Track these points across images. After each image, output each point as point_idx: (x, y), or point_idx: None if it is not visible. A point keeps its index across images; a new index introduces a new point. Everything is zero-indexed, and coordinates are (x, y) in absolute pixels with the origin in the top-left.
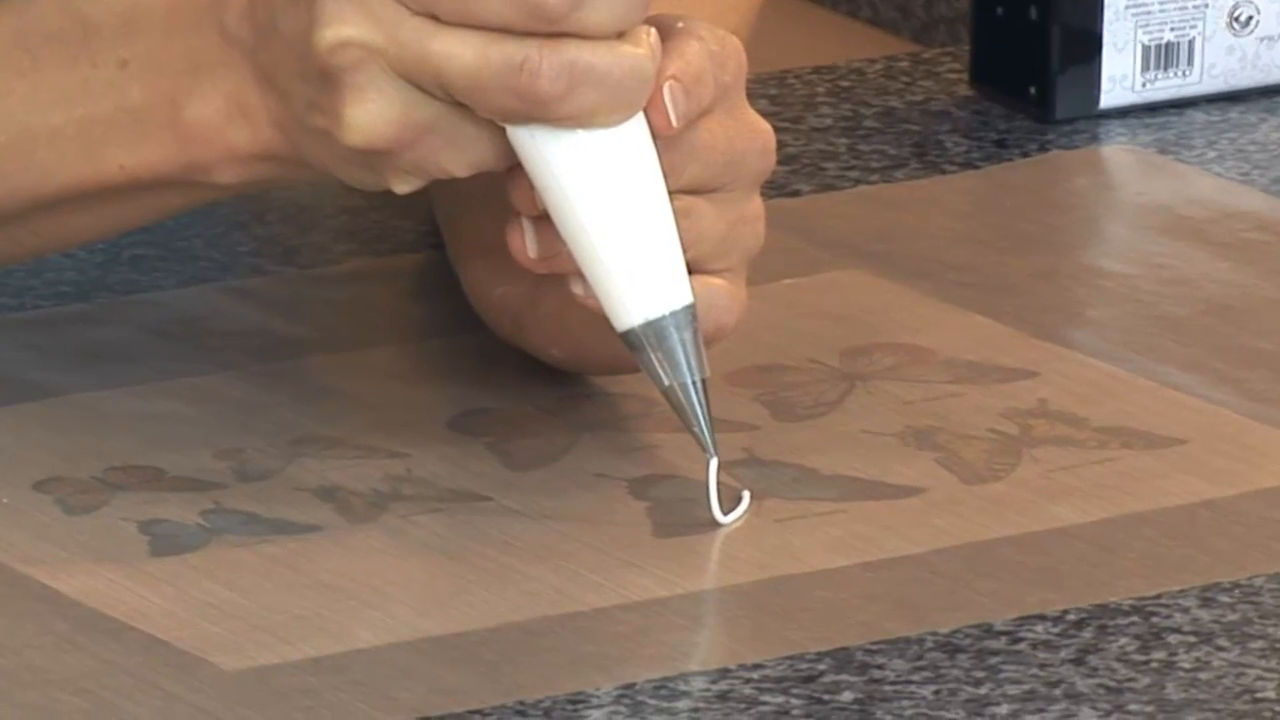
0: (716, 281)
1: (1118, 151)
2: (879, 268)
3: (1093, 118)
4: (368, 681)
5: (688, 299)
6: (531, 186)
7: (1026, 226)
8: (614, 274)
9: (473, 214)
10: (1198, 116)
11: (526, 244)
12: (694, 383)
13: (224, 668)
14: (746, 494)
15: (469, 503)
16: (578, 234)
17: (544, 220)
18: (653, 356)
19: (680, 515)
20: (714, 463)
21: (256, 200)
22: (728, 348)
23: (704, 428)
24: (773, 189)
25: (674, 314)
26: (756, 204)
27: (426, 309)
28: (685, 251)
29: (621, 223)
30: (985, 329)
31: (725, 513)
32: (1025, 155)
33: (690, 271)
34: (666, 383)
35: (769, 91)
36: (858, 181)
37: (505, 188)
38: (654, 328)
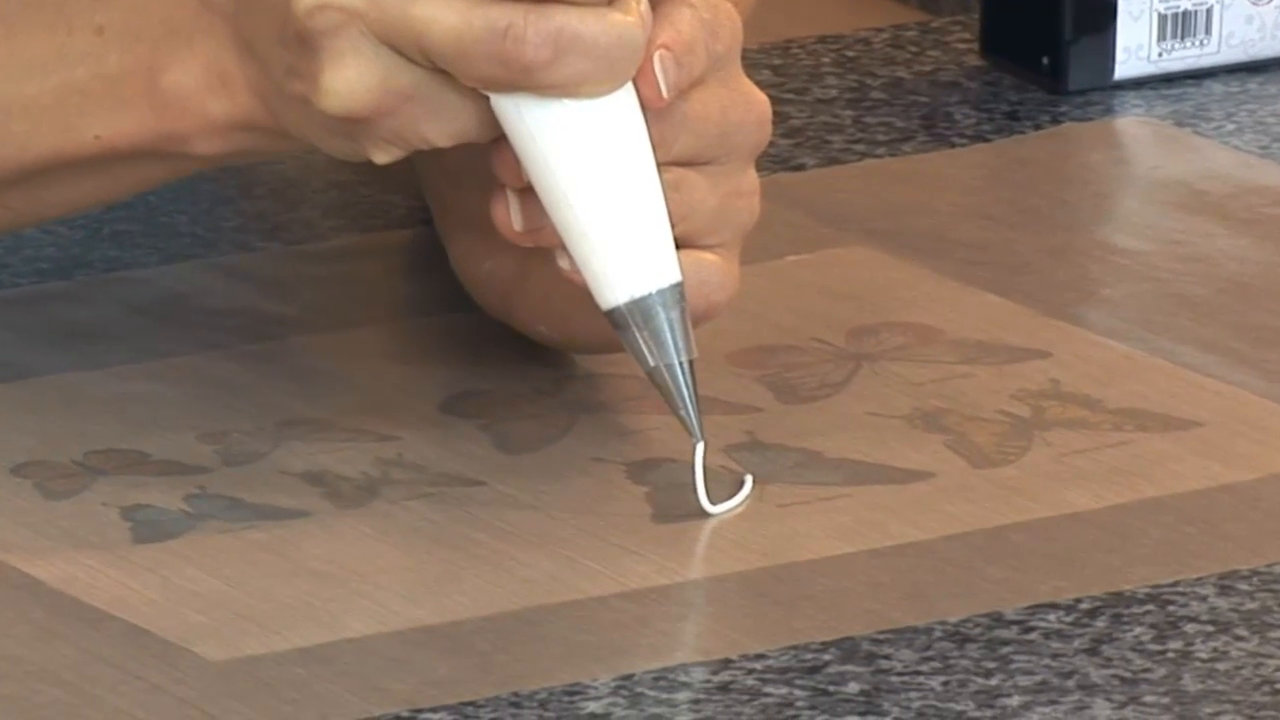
0: (708, 257)
1: (1133, 124)
2: (886, 244)
3: (1107, 89)
4: (357, 672)
5: (675, 277)
6: (515, 158)
7: (1038, 202)
8: (599, 250)
9: (460, 187)
10: (1216, 88)
11: (511, 217)
12: (681, 364)
13: (209, 658)
14: (749, 478)
15: (462, 487)
16: (562, 208)
17: (529, 192)
18: (638, 336)
19: (681, 500)
20: (701, 448)
21: (242, 174)
22: (729, 327)
23: (691, 411)
24: (776, 162)
25: (661, 292)
26: (751, 177)
27: (418, 286)
28: (675, 226)
29: (608, 197)
30: (996, 308)
31: (721, 499)
32: (1037, 128)
33: (680, 247)
34: (652, 364)
35: (772, 61)
36: (864, 155)
37: (488, 159)
38: (640, 306)
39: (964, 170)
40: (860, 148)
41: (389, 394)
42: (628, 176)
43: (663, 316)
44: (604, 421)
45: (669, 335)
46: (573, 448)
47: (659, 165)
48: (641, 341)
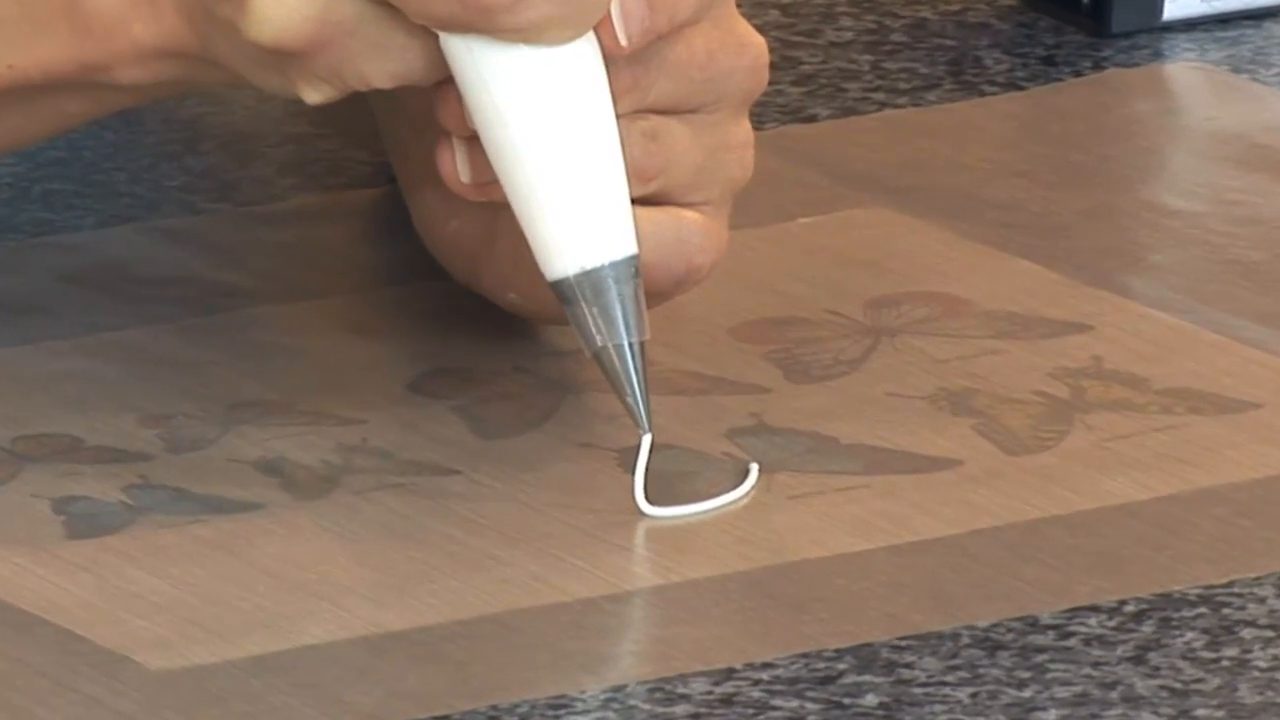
0: (690, 215)
1: (1184, 70)
2: (908, 205)
3: (1155, 31)
4: (317, 683)
5: (631, 248)
6: (463, 104)
7: (1078, 157)
8: (550, 213)
9: (425, 137)
10: (1277, 30)
11: (458, 167)
12: (631, 345)
13: (151, 667)
14: (755, 467)
15: (433, 477)
16: (512, 164)
17: (478, 141)
18: (586, 312)
19: (678, 491)
20: (647, 440)
21: (189, 128)
22: (732, 297)
23: (639, 398)
24: (786, 114)
25: (615, 264)
26: (743, 129)
27: (385, 252)
28: (653, 180)
29: (564, 155)
30: (1031, 276)
31: (722, 490)
32: (1077, 75)
33: (660, 203)
34: (599, 344)
35: (780, 0)
36: (883, 105)
37: (432, 104)
38: (591, 279)
39: (995, 122)
40: (879, 97)
41: (352, 372)
42: (586, 134)
43: (614, 292)
44: (592, 403)
45: (620, 313)
46: (558, 432)
47: (633, 113)
48: (589, 318)
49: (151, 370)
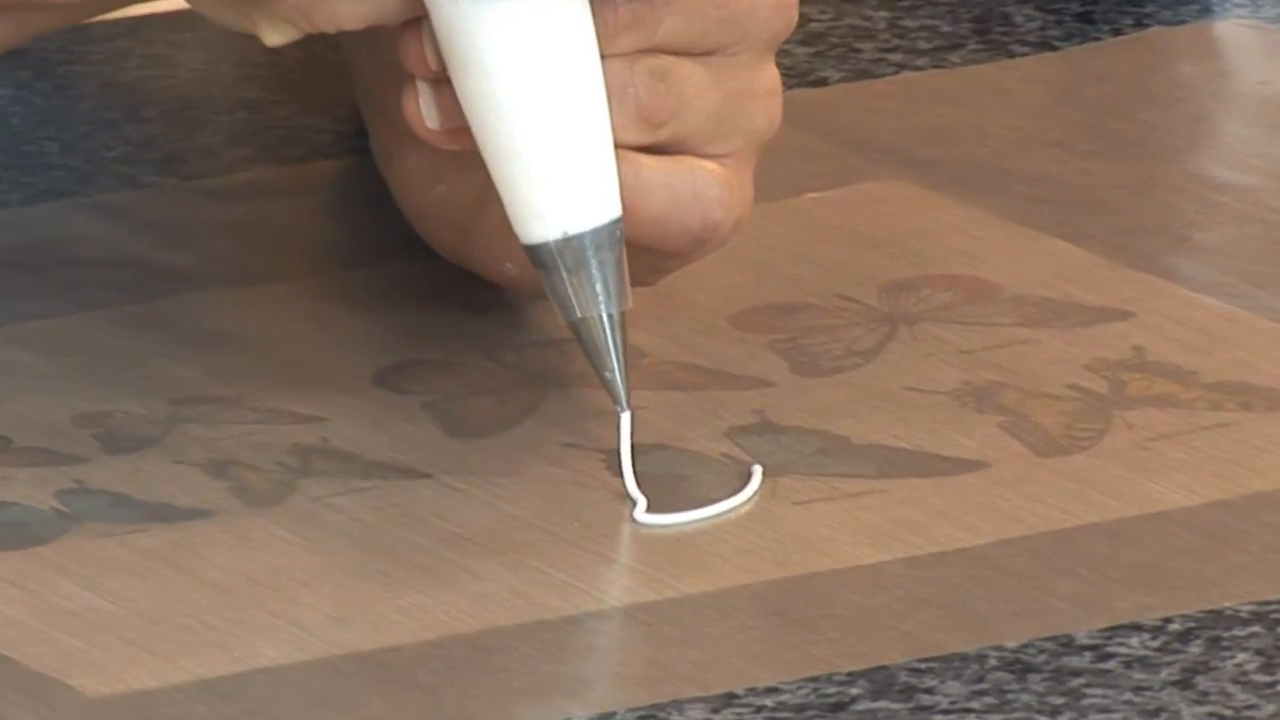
0: (708, 165)
1: (1235, 28)
2: (928, 178)
3: None
4: (271, 710)
5: (615, 212)
6: (425, 42)
7: (1118, 125)
8: (532, 173)
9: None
10: None
11: (423, 111)
12: (611, 315)
13: (87, 693)
14: (758, 469)
15: (401, 480)
16: (491, 119)
17: (445, 83)
18: (565, 280)
19: (672, 496)
20: (626, 419)
21: (128, 93)
22: (733, 281)
23: (618, 373)
24: (793, 76)
25: (596, 230)
26: (769, 74)
27: (347, 231)
28: (663, 126)
29: (550, 110)
30: (1065, 256)
31: (721, 495)
32: (1117, 33)
33: (674, 152)
34: (579, 314)
35: None
36: (901, 67)
37: (394, 44)
38: (572, 245)
39: (1025, 86)
40: (897, 58)
41: (311, 364)
42: (572, 88)
43: (594, 259)
44: (578, 398)
45: (600, 281)
46: (539, 431)
47: (638, 52)
48: (568, 286)
49: (87, 362)
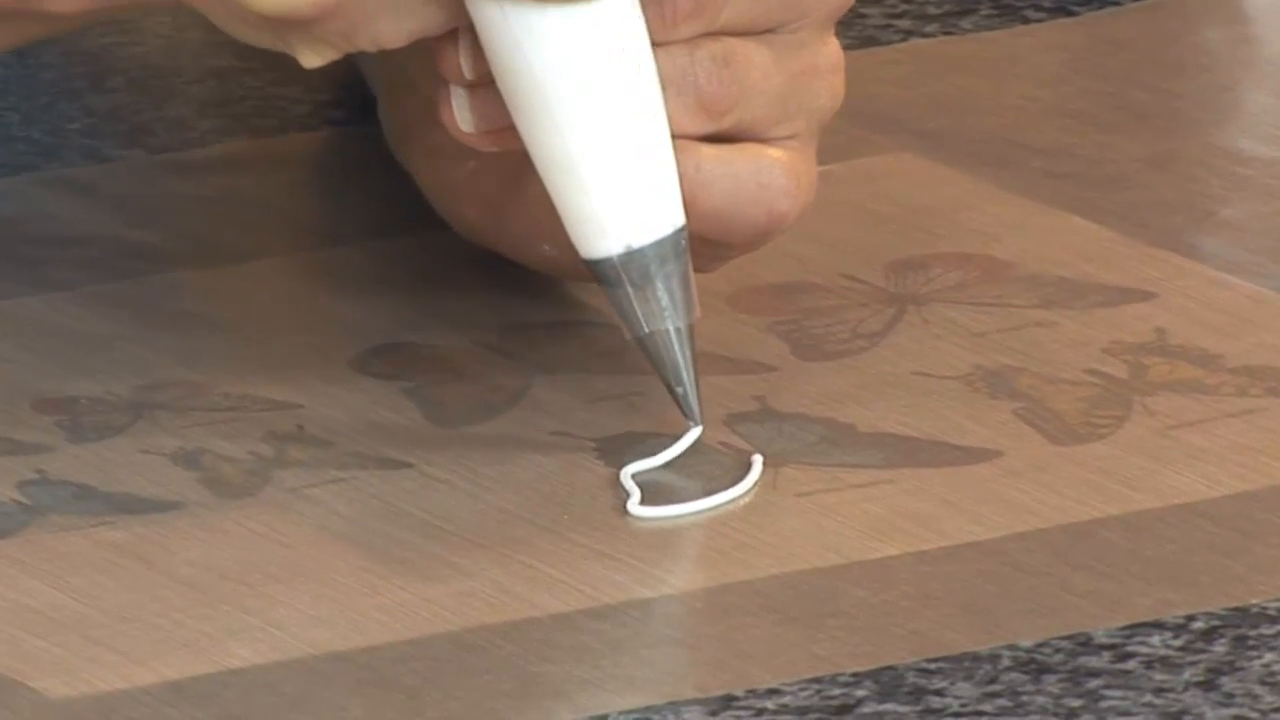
0: (773, 153)
1: None
2: (939, 151)
3: None
4: (243, 714)
5: (678, 221)
6: (463, 52)
7: (1139, 95)
8: (592, 188)
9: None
10: None
11: (457, 116)
12: (679, 329)
13: (50, 695)
14: (758, 459)
15: (381, 470)
16: (548, 134)
17: (481, 87)
18: (630, 294)
19: (668, 488)
20: (696, 434)
21: (93, 61)
22: (731, 261)
23: (690, 388)
24: None
25: (660, 242)
26: (832, 49)
27: (324, 207)
28: (726, 115)
29: (609, 123)
30: (1083, 234)
31: (720, 487)
32: None
33: (737, 139)
34: (646, 329)
35: None
36: (909, 34)
37: (432, 53)
38: (636, 259)
39: (1041, 54)
40: (905, 24)
41: (286, 348)
42: (630, 94)
43: (661, 271)
44: (567, 384)
45: (666, 294)
46: (527, 419)
47: (702, 37)
48: (633, 301)
49: (50, 346)
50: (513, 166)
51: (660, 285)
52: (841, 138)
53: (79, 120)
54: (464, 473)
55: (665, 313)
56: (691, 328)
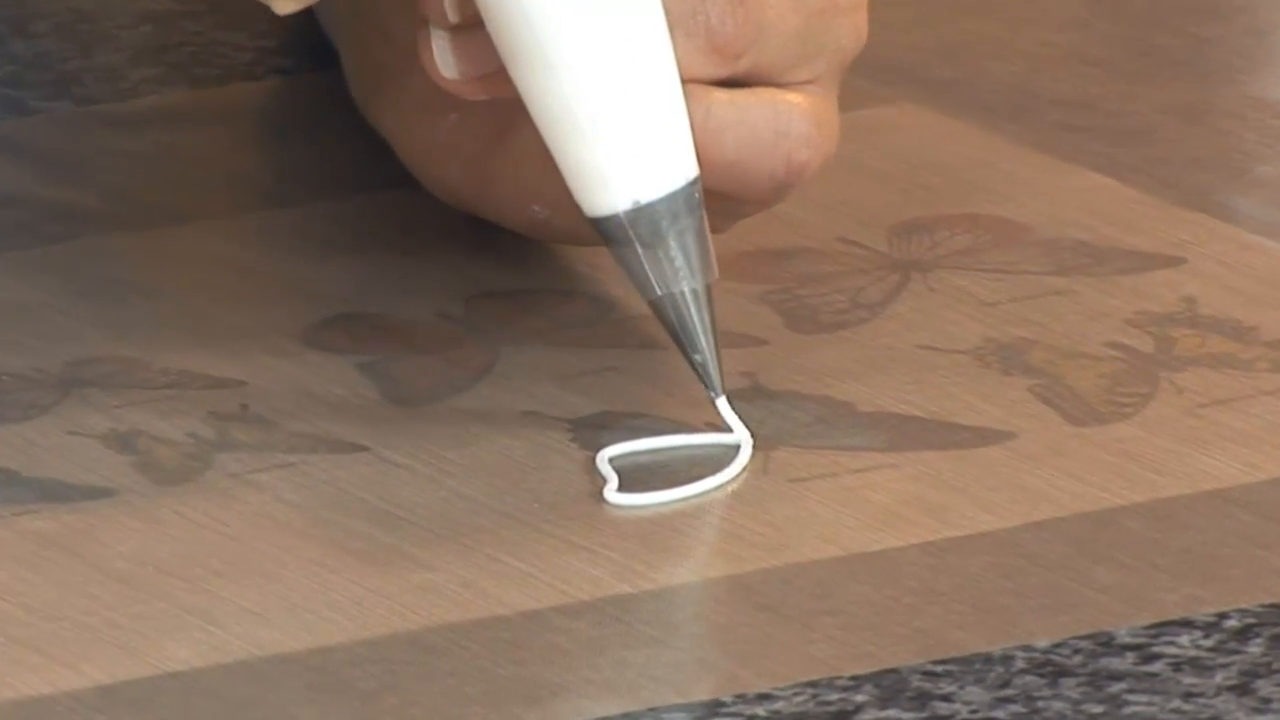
0: (791, 98)
1: None
2: (947, 102)
3: None
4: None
5: (690, 172)
6: None
7: (1165, 40)
8: (590, 137)
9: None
10: None
11: (439, 61)
12: (695, 290)
13: None
14: (747, 440)
15: (333, 454)
16: (541, 77)
17: (466, 29)
18: (640, 254)
19: (648, 473)
20: (723, 403)
21: (14, 4)
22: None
23: (710, 356)
24: None
25: (672, 195)
26: None
27: (270, 164)
28: (741, 57)
29: (606, 61)
30: (1104, 193)
31: (706, 472)
32: None
33: (750, 84)
34: (658, 292)
35: None
36: None
37: None
38: (644, 215)
39: None
40: None
41: (229, 319)
42: (633, 32)
43: (673, 228)
44: (538, 358)
45: (681, 253)
46: (493, 397)
47: None
48: (644, 261)
49: None
50: (498, 119)
51: (673, 243)
52: (840, 89)
53: (1, 68)
54: (424, 456)
55: (680, 273)
56: (709, 289)
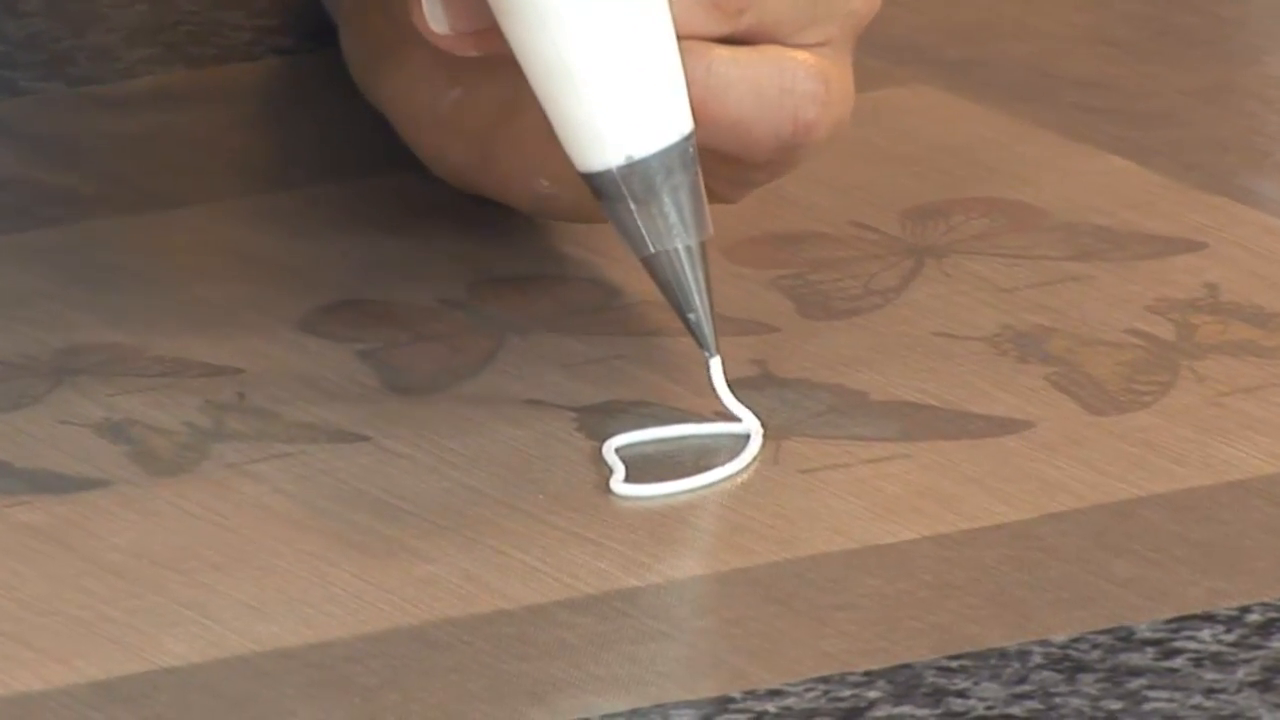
0: (797, 55)
1: None
2: (962, 83)
3: None
4: (178, 717)
5: (685, 127)
6: None
7: (1186, 19)
8: (583, 91)
9: None
10: None
11: (429, 15)
12: (689, 248)
13: None
14: (757, 429)
15: (333, 444)
16: (533, 29)
17: None
18: (633, 211)
19: (656, 464)
20: (716, 364)
21: None
22: (728, 207)
23: (703, 314)
24: None
25: (666, 150)
26: None
27: (268, 147)
28: (745, 8)
29: (601, 15)
30: (1123, 176)
31: (717, 460)
32: None
33: (757, 42)
34: (651, 249)
35: None
36: None
37: None
38: (637, 171)
39: None
40: None
41: (226, 305)
42: None
43: (667, 184)
44: (543, 346)
45: (675, 209)
46: (496, 385)
47: None
48: (637, 218)
49: None
50: (503, 96)
51: (667, 199)
52: (853, 57)
53: None
54: (426, 446)
55: (673, 230)
56: (703, 246)
